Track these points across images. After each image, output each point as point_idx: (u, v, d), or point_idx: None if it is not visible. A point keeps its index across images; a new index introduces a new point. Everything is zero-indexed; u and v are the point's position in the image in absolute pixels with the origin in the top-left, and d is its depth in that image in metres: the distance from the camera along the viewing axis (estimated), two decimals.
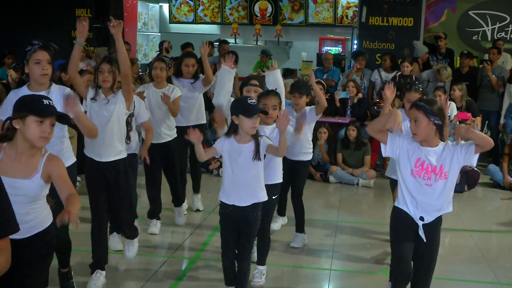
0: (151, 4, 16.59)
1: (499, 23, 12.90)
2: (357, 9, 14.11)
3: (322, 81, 10.99)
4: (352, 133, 10.21)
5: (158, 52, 12.75)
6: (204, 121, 8.00)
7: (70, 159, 5.20)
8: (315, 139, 9.81)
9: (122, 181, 5.70)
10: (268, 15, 16.31)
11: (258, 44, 15.83)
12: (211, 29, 16.93)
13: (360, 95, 11.19)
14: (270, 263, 6.25)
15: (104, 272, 5.69)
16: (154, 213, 7.34)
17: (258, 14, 16.33)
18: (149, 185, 7.34)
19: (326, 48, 15.21)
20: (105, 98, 5.52)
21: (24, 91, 4.94)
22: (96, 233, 5.71)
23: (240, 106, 4.82)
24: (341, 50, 15.32)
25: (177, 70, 7.70)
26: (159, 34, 16.71)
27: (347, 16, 15.96)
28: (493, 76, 11.32)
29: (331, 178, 10.17)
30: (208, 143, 10.46)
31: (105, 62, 5.51)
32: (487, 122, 11.58)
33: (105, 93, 5.54)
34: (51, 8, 13.34)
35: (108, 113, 5.52)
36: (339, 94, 11.10)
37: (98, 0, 12.33)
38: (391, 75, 11.47)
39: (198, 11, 16.78)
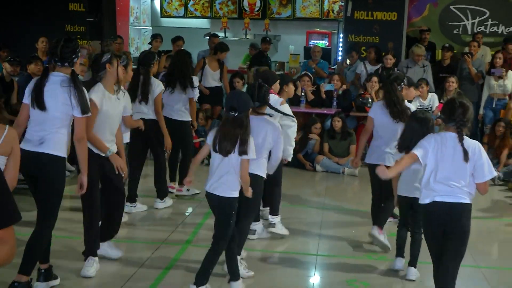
0: None
1: (478, 18, 12.95)
2: (342, 3, 14.11)
3: (309, 74, 11.03)
4: (338, 124, 10.27)
5: (150, 46, 12.76)
6: (188, 118, 8.21)
7: (63, 152, 5.03)
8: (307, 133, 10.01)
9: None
10: (256, 9, 16.28)
11: (247, 37, 15.82)
12: (202, 23, 16.90)
13: (344, 86, 11.25)
14: (257, 248, 6.32)
15: (97, 259, 5.68)
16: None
17: (247, 9, 16.29)
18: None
19: (313, 41, 15.23)
20: (117, 98, 5.64)
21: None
22: (88, 221, 5.68)
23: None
24: (327, 44, 15.36)
25: None
26: (151, 28, 16.63)
27: (333, 11, 15.97)
28: (473, 68, 11.39)
29: (318, 167, 10.23)
30: (198, 133, 10.50)
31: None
32: None
33: (111, 88, 5.60)
34: (45, 3, 13.30)
35: (118, 111, 5.72)
36: (325, 86, 11.17)
37: None
38: (376, 67, 11.55)
39: (189, 5, 16.72)
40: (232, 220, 5.18)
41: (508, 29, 12.81)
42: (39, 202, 5.05)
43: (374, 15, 12.77)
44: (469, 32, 12.92)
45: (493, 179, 9.71)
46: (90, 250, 5.67)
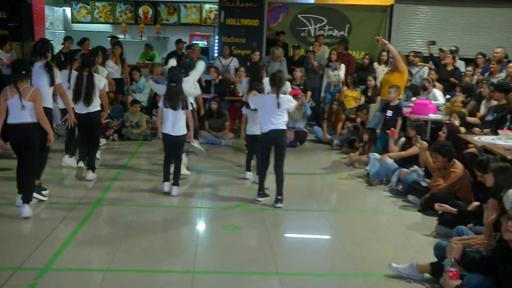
0: (55, 8, 15.76)
1: (319, 24, 13.23)
2: (217, 12, 14.07)
3: None
4: (214, 106, 10.24)
5: (63, 46, 12.17)
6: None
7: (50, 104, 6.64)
8: None
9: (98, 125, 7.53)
10: (149, 16, 15.97)
11: (142, 39, 15.49)
12: (105, 28, 16.31)
13: (220, 77, 11.21)
14: (156, 204, 6.22)
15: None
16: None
17: (142, 16, 15.96)
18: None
19: (194, 42, 15.06)
20: None
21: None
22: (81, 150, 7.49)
23: None
24: (205, 44, 15.27)
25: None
26: (64, 31, 15.90)
27: (210, 18, 15.90)
28: (315, 62, 11.66)
29: (200, 140, 10.17)
30: (113, 116, 10.19)
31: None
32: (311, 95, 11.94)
33: None
34: None
35: None
36: (204, 77, 11.07)
37: (11, 5, 11.62)
38: (228, 60, 11.61)
39: (94, 13, 16.17)
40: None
41: (340, 33, 13.19)
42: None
43: (241, 22, 12.83)
44: (312, 35, 13.19)
45: (331, 145, 10.10)
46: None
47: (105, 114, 7.87)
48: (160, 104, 6.84)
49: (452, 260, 3.85)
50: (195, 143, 8.50)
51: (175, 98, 6.68)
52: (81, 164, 7.42)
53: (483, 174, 5.41)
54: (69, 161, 7.97)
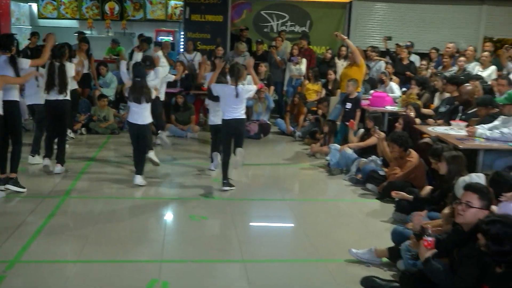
0: (21, 4, 15.36)
1: (281, 20, 13.28)
2: (182, 8, 13.95)
3: None
4: (180, 100, 10.17)
5: (29, 41, 11.90)
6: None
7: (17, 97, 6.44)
8: None
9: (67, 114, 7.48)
10: (115, 12, 15.67)
11: (109, 35, 15.22)
12: (72, 23, 15.95)
13: (186, 71, 11.11)
14: (126, 196, 6.14)
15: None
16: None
17: (108, 12, 15.65)
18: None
19: (160, 38, 14.89)
20: None
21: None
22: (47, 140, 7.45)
23: None
24: (171, 39, 15.11)
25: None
26: (30, 27, 15.53)
27: (175, 14, 15.72)
28: (278, 57, 11.68)
29: (167, 133, 10.05)
30: (80, 111, 10.01)
31: None
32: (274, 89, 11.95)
33: None
34: None
35: None
36: (171, 72, 10.95)
37: None
38: (192, 55, 11.55)
39: (60, 9, 15.79)
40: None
41: (302, 29, 13.26)
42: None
43: (206, 18, 12.78)
44: (275, 31, 13.21)
45: (294, 136, 10.15)
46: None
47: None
48: (127, 93, 6.97)
49: (429, 231, 3.87)
50: (163, 135, 8.68)
51: (139, 92, 6.69)
52: (47, 161, 7.29)
53: (437, 162, 5.51)
54: (34, 160, 7.70)
